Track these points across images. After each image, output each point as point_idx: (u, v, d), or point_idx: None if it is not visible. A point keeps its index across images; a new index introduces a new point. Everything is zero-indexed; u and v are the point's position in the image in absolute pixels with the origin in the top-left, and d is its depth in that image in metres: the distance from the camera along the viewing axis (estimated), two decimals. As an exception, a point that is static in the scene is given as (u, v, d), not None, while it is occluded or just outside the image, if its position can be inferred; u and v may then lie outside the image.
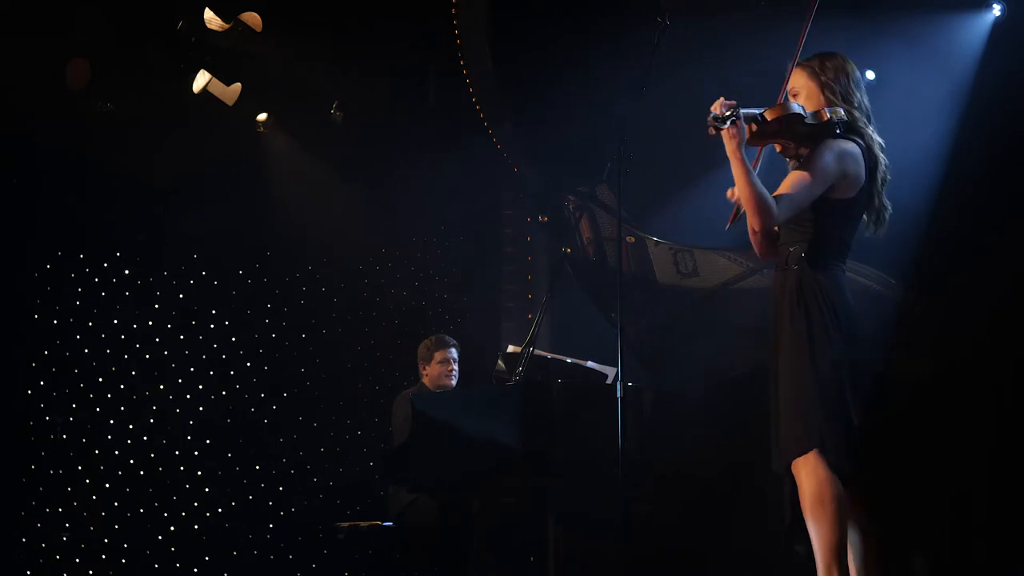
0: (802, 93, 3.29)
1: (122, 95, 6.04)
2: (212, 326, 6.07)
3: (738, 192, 3.16)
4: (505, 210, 7.63)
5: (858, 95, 3.27)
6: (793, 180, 3.18)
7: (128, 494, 5.12)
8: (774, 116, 3.15)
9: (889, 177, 3.31)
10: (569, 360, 5.04)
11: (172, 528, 5.11)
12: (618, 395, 3.79)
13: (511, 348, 5.09)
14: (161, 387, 5.23)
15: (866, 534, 3.27)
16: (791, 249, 3.28)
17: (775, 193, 3.15)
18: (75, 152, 5.84)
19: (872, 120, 3.30)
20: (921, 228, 5.30)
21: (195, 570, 5.56)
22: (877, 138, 3.27)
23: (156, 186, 6.04)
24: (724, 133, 3.09)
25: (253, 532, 5.93)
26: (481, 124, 6.90)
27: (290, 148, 6.96)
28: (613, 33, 5.98)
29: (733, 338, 4.81)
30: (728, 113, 3.05)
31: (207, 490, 5.21)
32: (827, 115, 3.18)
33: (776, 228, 3.30)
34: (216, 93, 6.20)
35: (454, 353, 5.71)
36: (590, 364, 5.09)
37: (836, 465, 3.14)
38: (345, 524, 5.79)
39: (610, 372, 5.01)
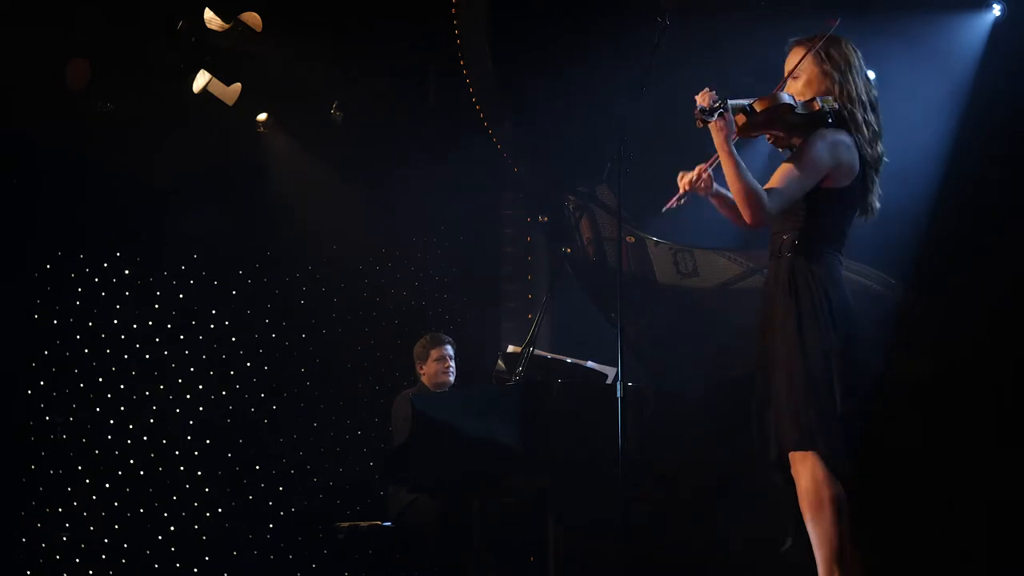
0: (803, 76, 3.24)
1: (122, 95, 6.04)
2: (212, 326, 6.07)
3: (729, 187, 3.11)
4: (505, 210, 7.63)
5: (859, 84, 3.21)
6: (785, 171, 3.13)
7: (128, 494, 5.12)
8: (763, 107, 3.10)
9: (884, 160, 3.26)
10: (569, 360, 5.03)
11: (172, 528, 5.10)
12: (618, 395, 3.79)
13: (511, 348, 5.09)
14: (161, 387, 5.23)
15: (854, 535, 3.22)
16: (784, 237, 3.25)
17: (767, 186, 3.10)
18: (75, 152, 5.84)
19: (875, 110, 3.24)
20: (921, 228, 5.30)
21: (195, 570, 5.56)
22: (874, 127, 3.21)
23: (156, 186, 6.03)
24: (712, 126, 3.04)
25: (253, 532, 5.93)
26: (481, 124, 6.90)
27: (290, 148, 6.97)
28: (613, 33, 5.98)
29: (733, 338, 4.81)
30: (716, 105, 3.00)
31: (207, 490, 5.21)
32: (819, 104, 3.13)
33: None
34: (216, 93, 6.20)
35: (450, 350, 5.70)
36: (590, 364, 5.09)
37: (833, 465, 3.13)
38: (345, 524, 5.79)
39: (610, 372, 5.00)
